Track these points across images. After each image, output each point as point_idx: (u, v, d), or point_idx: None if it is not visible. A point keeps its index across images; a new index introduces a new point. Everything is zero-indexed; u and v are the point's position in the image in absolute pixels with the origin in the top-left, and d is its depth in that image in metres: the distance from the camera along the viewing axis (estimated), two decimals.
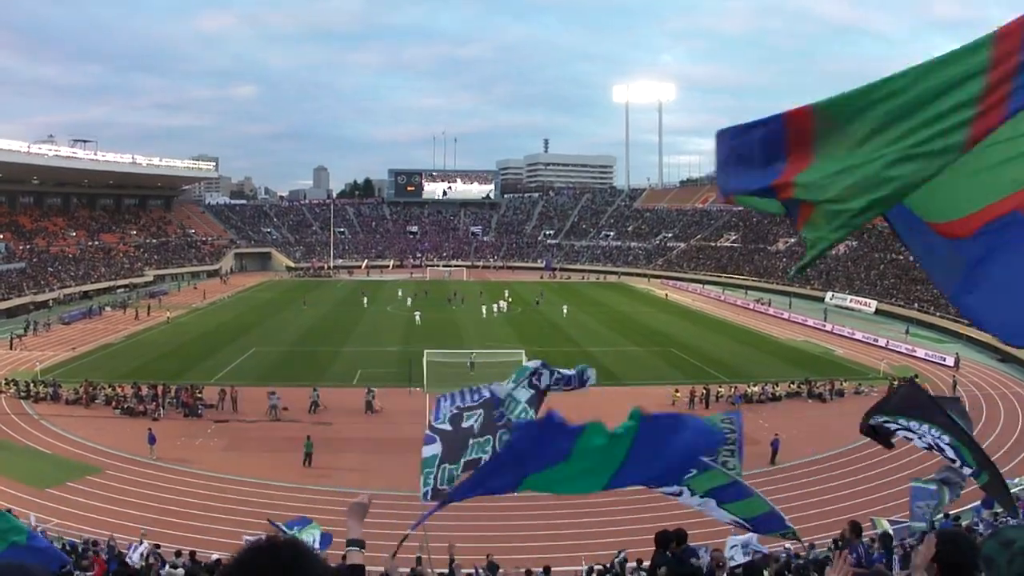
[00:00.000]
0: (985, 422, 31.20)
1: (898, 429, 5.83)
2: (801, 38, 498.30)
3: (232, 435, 30.29)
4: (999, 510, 14.06)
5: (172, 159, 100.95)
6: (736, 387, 36.56)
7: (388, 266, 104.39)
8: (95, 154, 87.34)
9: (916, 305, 60.56)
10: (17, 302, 62.26)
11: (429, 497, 5.63)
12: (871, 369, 43.26)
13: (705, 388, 35.75)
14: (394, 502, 17.82)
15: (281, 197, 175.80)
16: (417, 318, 58.14)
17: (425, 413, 32.88)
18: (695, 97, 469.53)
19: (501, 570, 14.09)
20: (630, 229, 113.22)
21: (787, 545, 13.21)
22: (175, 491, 23.66)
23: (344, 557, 3.12)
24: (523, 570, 14.37)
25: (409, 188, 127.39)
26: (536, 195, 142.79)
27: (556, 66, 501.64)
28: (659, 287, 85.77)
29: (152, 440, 27.27)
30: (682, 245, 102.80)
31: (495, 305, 64.55)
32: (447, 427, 6.01)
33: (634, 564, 14.72)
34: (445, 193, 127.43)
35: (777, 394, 36.53)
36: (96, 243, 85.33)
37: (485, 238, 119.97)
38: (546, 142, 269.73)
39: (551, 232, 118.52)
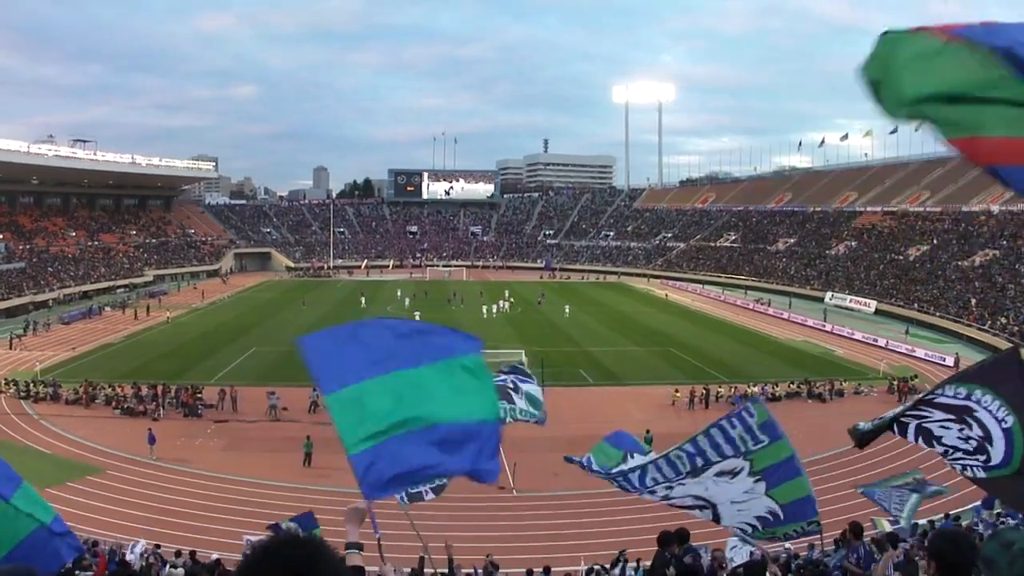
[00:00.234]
0: None
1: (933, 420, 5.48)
2: (801, 38, 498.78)
3: (232, 435, 30.29)
4: (999, 510, 14.06)
5: (172, 159, 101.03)
6: (736, 387, 36.55)
7: (388, 266, 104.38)
8: (95, 154, 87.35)
9: (916, 305, 60.55)
10: (17, 302, 62.26)
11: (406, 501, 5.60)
12: (871, 369, 43.26)
13: (705, 388, 35.75)
14: (394, 502, 17.79)
15: (281, 197, 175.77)
16: (417, 318, 58.10)
17: None
18: (695, 97, 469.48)
19: (501, 570, 14.09)
20: (630, 229, 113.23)
21: (787, 545, 13.21)
22: (175, 491, 23.66)
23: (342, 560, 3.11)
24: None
25: (409, 188, 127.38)
26: (536, 195, 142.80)
27: (556, 66, 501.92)
28: (659, 287, 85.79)
29: (152, 440, 27.27)
30: (682, 245, 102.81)
31: (495, 306, 64.54)
32: None
33: (635, 564, 14.71)
34: (446, 193, 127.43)
35: (777, 394, 36.51)
36: (96, 243, 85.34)
37: (485, 238, 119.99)
38: (546, 142, 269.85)
39: (551, 232, 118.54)
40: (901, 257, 71.53)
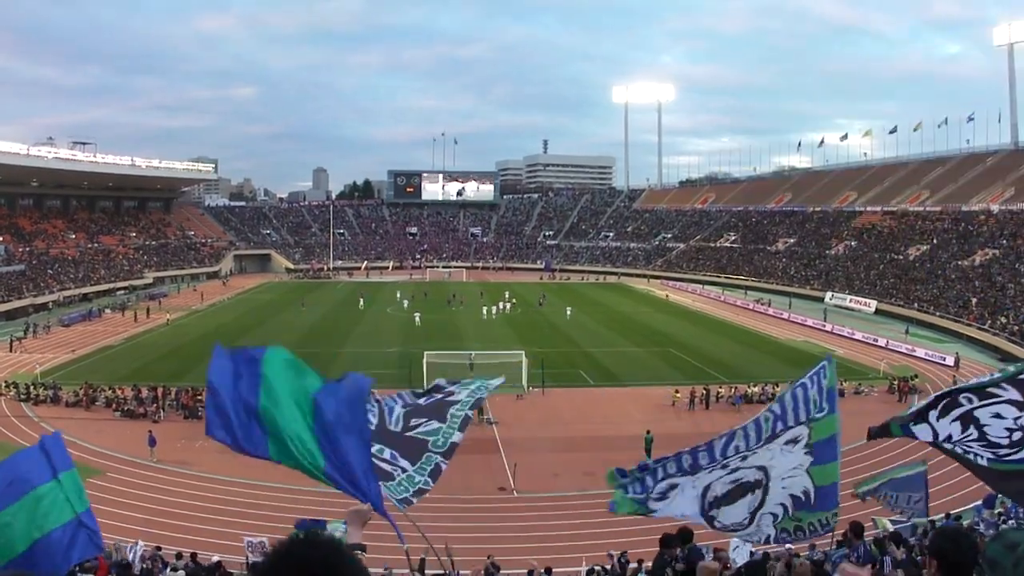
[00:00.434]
0: None
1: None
2: (801, 38, 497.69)
3: None
4: (1000, 509, 14.06)
5: (171, 161, 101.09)
6: (736, 387, 36.55)
7: (388, 267, 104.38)
8: (94, 156, 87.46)
9: (916, 305, 60.56)
10: (17, 304, 62.27)
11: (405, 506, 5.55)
12: (871, 369, 43.26)
13: (705, 388, 35.75)
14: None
15: (280, 199, 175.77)
16: (417, 319, 58.17)
17: None
18: (694, 98, 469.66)
19: (502, 571, 14.09)
20: (629, 230, 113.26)
21: (788, 546, 13.19)
22: (176, 493, 23.66)
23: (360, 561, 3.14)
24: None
25: (408, 189, 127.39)
26: (535, 196, 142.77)
27: (556, 66, 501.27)
28: (658, 287, 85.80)
29: (152, 442, 27.27)
30: (681, 246, 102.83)
31: (494, 307, 64.47)
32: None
33: (635, 564, 14.70)
34: (446, 193, 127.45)
35: (777, 395, 36.47)
36: (95, 245, 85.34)
37: (485, 239, 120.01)
38: (545, 143, 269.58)
39: (550, 233, 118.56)
40: (901, 257, 71.54)
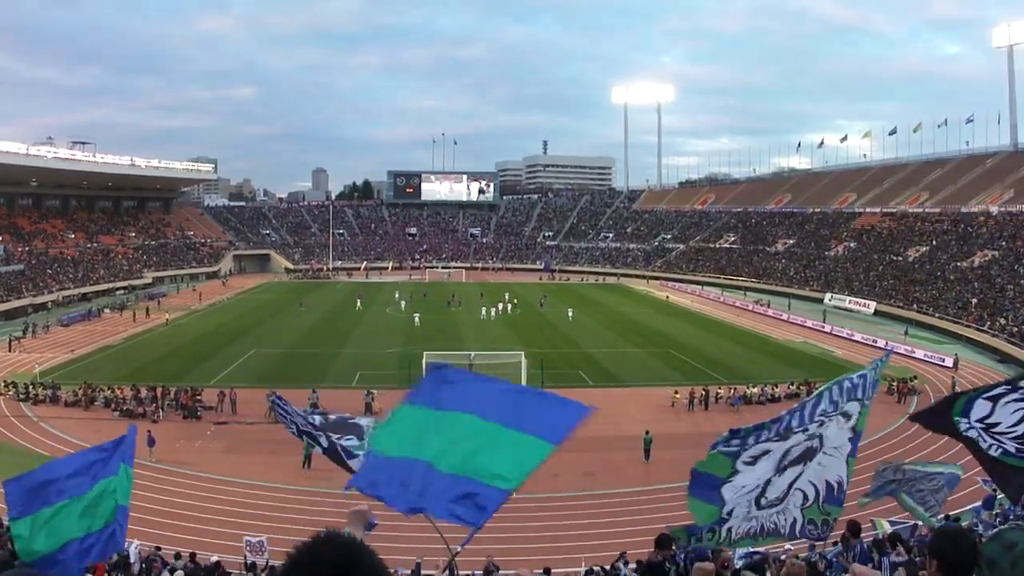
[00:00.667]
0: None
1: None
2: (800, 38, 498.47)
3: (231, 437, 30.28)
4: (998, 511, 14.07)
5: (171, 161, 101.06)
6: (735, 388, 36.56)
7: (387, 268, 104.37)
8: (94, 156, 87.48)
9: (915, 306, 60.60)
10: (16, 304, 62.26)
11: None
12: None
13: (704, 389, 35.75)
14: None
15: (280, 199, 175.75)
16: (416, 320, 58.16)
17: None
18: (694, 98, 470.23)
19: (501, 571, 14.09)
20: (629, 230, 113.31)
21: (788, 546, 13.20)
22: (175, 493, 23.63)
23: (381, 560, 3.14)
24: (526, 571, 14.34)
25: (408, 190, 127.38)
26: (535, 197, 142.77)
27: (555, 67, 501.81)
28: (658, 288, 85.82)
29: (151, 442, 27.23)
30: (681, 246, 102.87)
31: (494, 308, 64.37)
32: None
33: (634, 565, 14.71)
34: (446, 194, 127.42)
35: (776, 395, 36.50)
36: (95, 245, 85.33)
37: (484, 240, 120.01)
38: (545, 143, 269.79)
39: (550, 234, 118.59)
40: (900, 258, 71.58)
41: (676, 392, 35.58)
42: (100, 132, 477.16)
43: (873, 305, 65.03)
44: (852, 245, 79.83)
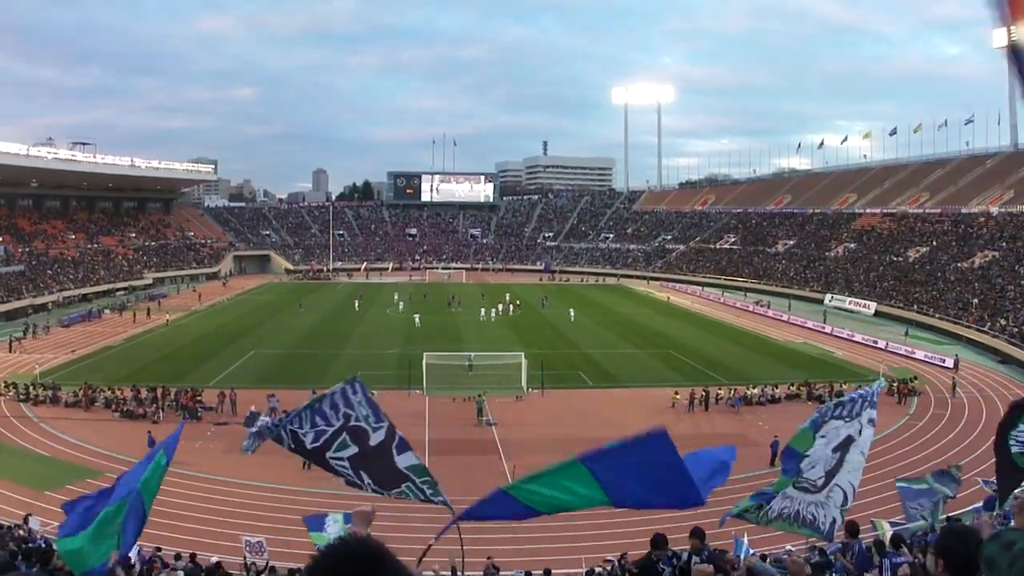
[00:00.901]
0: (985, 424, 31.22)
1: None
2: (800, 39, 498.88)
3: (231, 438, 30.24)
4: (998, 512, 14.05)
5: (171, 162, 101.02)
6: (736, 389, 36.54)
7: (387, 268, 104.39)
8: (94, 157, 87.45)
9: (915, 307, 60.59)
10: (16, 305, 62.26)
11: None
12: (870, 371, 43.22)
13: (704, 390, 35.73)
14: (394, 503, 17.78)
15: (280, 200, 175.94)
16: (417, 320, 58.16)
17: (425, 415, 32.91)
18: (694, 99, 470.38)
19: (502, 572, 14.08)
20: (629, 231, 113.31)
21: (788, 547, 13.21)
22: (175, 494, 23.59)
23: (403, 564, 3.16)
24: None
25: (408, 191, 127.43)
26: (535, 197, 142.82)
27: (555, 68, 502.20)
28: (658, 289, 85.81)
29: (151, 443, 27.20)
30: (681, 247, 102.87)
31: (493, 309, 64.32)
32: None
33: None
34: (446, 195, 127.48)
35: (776, 396, 36.52)
36: (95, 246, 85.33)
37: (484, 240, 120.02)
38: (545, 144, 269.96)
39: (550, 234, 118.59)
40: (900, 259, 71.56)
41: (676, 393, 35.57)
42: (100, 133, 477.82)
43: (873, 306, 65.02)
44: (852, 246, 79.81)
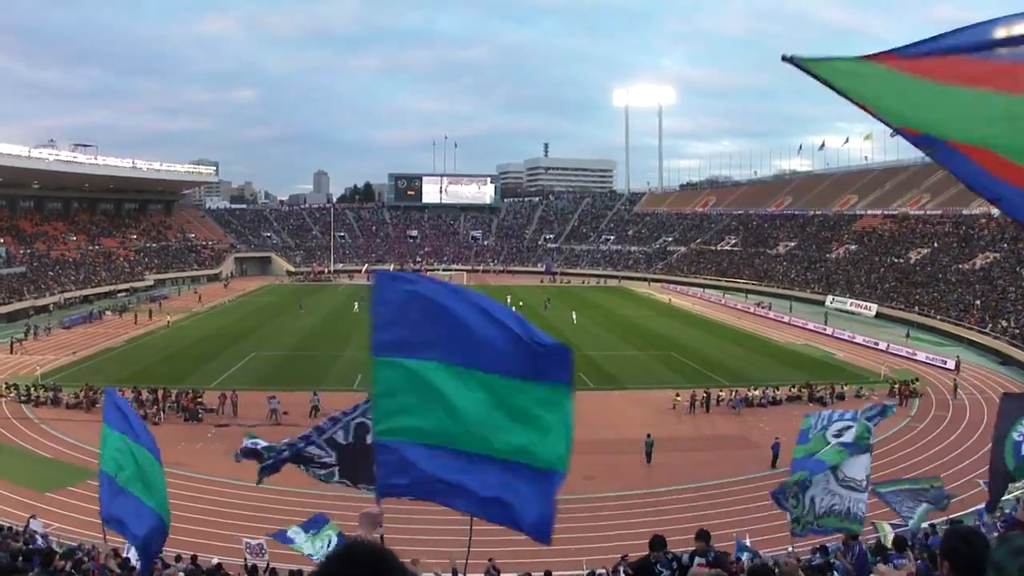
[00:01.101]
0: (986, 426, 31.16)
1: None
2: (801, 42, 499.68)
3: (232, 439, 30.16)
4: (999, 514, 14.04)
5: (172, 163, 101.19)
6: (737, 391, 36.51)
7: (388, 270, 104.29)
8: (95, 158, 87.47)
9: (916, 308, 60.53)
10: (17, 306, 62.28)
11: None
12: (872, 372, 43.22)
13: (706, 392, 35.70)
14: (395, 505, 17.77)
15: (281, 201, 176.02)
16: None
17: None
18: (695, 101, 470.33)
19: (502, 574, 14.06)
20: (630, 233, 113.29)
21: (789, 548, 13.17)
22: (175, 495, 23.47)
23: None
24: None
25: (409, 192, 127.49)
26: (536, 199, 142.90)
27: (556, 69, 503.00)
28: (659, 291, 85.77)
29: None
30: (682, 249, 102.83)
31: None
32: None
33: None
34: (447, 196, 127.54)
35: (778, 398, 36.49)
36: (96, 247, 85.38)
37: (485, 242, 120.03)
38: (546, 146, 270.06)
39: (551, 236, 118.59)
40: (902, 260, 71.51)
41: (677, 395, 35.54)
42: (101, 134, 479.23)
43: (875, 307, 64.97)
44: (853, 247, 79.76)
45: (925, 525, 14.75)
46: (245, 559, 16.31)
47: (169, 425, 31.64)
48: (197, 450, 28.74)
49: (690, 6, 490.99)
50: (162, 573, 13.35)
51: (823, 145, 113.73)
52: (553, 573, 15.74)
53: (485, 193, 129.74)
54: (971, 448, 28.15)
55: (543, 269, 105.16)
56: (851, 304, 67.60)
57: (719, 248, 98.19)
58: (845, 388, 38.03)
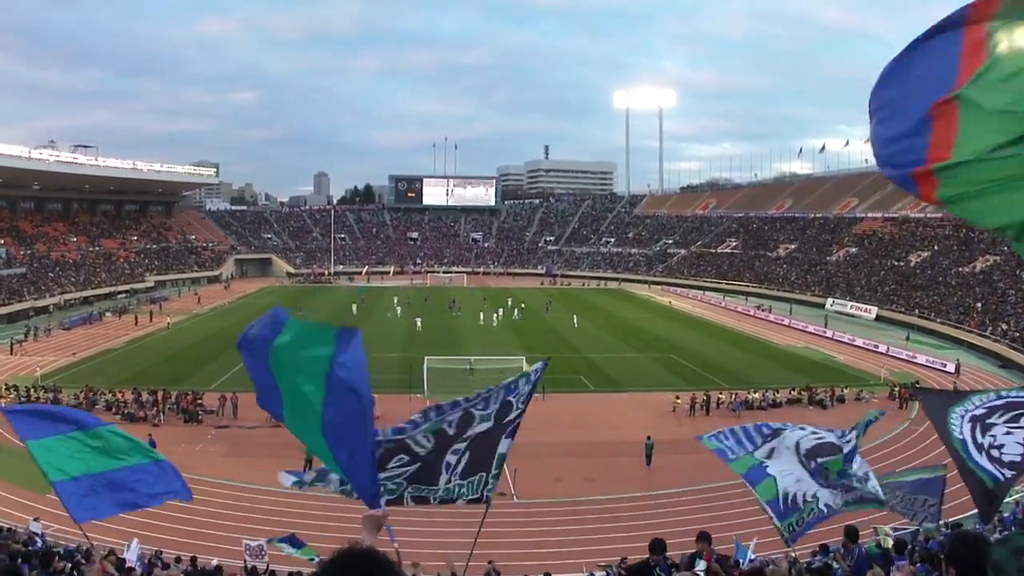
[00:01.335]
0: None
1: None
2: (802, 43, 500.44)
3: (232, 441, 30.27)
4: (997, 518, 14.03)
5: (173, 165, 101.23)
6: (737, 393, 36.51)
7: (388, 272, 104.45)
8: (96, 160, 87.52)
9: (917, 311, 60.54)
10: (18, 307, 62.30)
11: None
12: (872, 375, 43.22)
13: (706, 394, 35.71)
14: (395, 509, 17.75)
15: (281, 203, 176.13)
16: (418, 324, 58.15)
17: None
18: (695, 103, 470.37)
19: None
20: (630, 235, 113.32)
21: (793, 554, 13.14)
22: None
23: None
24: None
25: (410, 194, 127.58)
26: (536, 201, 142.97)
27: (556, 71, 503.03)
28: (659, 293, 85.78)
29: (152, 446, 27.22)
30: (682, 251, 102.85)
31: (494, 314, 64.09)
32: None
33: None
34: (448, 198, 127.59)
35: (778, 400, 36.50)
36: (97, 248, 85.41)
37: (486, 244, 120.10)
38: (546, 148, 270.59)
39: (552, 238, 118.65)
40: (902, 263, 71.54)
41: (677, 397, 35.54)
42: (101, 136, 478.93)
43: (875, 310, 64.98)
44: (854, 250, 79.79)
45: (932, 527, 14.70)
46: (245, 561, 16.29)
47: (169, 427, 31.66)
48: (197, 451, 28.73)
49: (690, 8, 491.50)
50: (162, 574, 13.35)
51: (823, 148, 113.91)
52: (552, 575, 15.71)
53: (485, 195, 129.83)
54: None
55: (543, 271, 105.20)
56: (851, 307, 67.61)
57: (719, 251, 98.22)
58: (845, 391, 38.05)
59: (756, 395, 36.52)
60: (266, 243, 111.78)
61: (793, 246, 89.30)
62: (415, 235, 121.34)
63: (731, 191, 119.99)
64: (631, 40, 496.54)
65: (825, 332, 58.13)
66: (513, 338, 53.50)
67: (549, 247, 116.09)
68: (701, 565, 8.68)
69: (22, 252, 74.46)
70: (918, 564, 9.37)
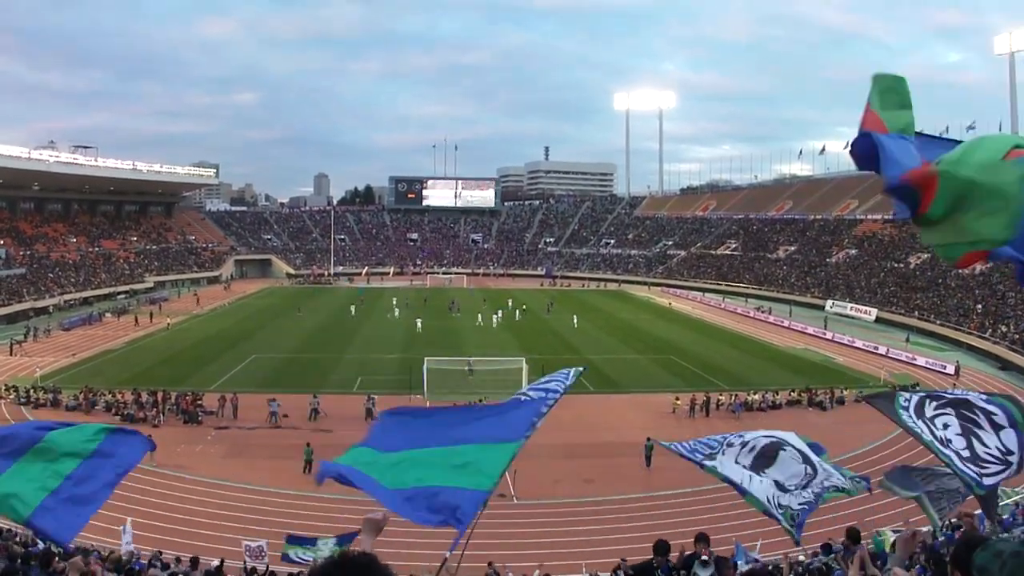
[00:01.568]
0: None
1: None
2: (802, 46, 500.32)
3: (232, 442, 30.26)
4: (998, 518, 14.03)
5: (173, 165, 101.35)
6: (736, 395, 36.53)
7: (388, 273, 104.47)
8: (96, 160, 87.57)
9: (916, 313, 60.57)
10: (17, 308, 62.31)
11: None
12: (871, 377, 43.23)
13: (706, 396, 35.72)
14: (393, 515, 17.74)
15: (281, 204, 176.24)
16: (418, 325, 58.16)
17: None
18: (696, 105, 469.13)
19: None
20: (630, 237, 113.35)
21: (800, 556, 13.16)
22: (175, 498, 23.61)
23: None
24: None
25: (410, 195, 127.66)
26: (536, 203, 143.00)
27: (557, 73, 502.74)
28: (659, 295, 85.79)
29: (152, 447, 27.15)
30: (682, 253, 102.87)
31: (494, 315, 64.08)
32: None
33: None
34: (448, 199, 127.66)
35: (777, 402, 36.51)
36: (96, 249, 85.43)
37: (486, 245, 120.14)
38: (547, 149, 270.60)
39: (551, 240, 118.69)
40: (902, 265, 71.56)
41: (677, 399, 35.55)
42: (102, 136, 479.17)
43: (874, 312, 64.98)
44: (853, 252, 79.83)
45: (925, 529, 14.71)
46: (245, 562, 16.30)
47: (169, 427, 31.64)
48: (197, 452, 28.73)
49: (691, 10, 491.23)
50: (161, 574, 13.35)
51: (824, 149, 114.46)
52: None
53: (485, 196, 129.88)
54: None
55: (543, 273, 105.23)
56: (851, 308, 67.62)
57: (719, 252, 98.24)
58: (845, 393, 38.04)
59: (756, 396, 36.52)
60: (266, 244, 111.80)
61: (793, 248, 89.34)
62: (415, 236, 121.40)
63: (731, 193, 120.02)
64: (632, 42, 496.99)
65: (825, 334, 58.15)
66: (513, 339, 53.52)
67: (549, 248, 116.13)
68: (700, 568, 8.68)
69: (22, 253, 74.48)
70: (918, 567, 9.37)
